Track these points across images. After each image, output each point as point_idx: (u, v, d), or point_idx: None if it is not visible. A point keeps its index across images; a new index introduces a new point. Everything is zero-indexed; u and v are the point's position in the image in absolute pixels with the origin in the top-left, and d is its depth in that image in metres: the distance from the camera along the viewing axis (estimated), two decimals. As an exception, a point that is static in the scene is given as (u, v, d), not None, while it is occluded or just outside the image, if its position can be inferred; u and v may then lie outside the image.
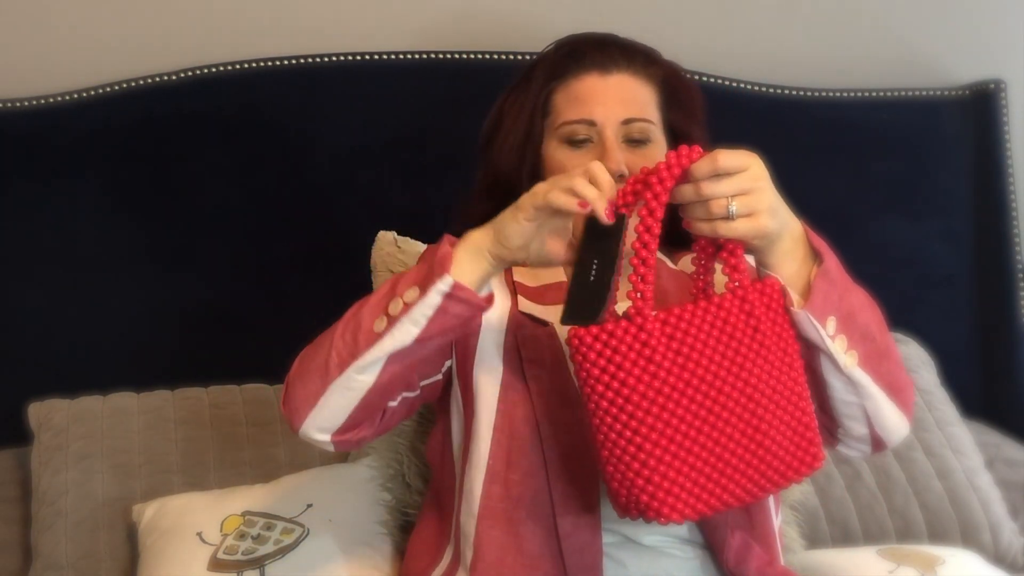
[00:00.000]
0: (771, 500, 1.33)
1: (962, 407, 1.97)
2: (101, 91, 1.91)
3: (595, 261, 1.09)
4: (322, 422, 1.23)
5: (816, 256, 1.15)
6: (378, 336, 1.18)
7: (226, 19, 2.01)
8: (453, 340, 1.28)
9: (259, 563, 1.44)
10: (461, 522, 1.29)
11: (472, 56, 2.02)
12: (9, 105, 1.87)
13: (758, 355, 1.11)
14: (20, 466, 1.73)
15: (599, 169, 1.12)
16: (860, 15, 2.23)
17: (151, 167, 1.92)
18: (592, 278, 1.09)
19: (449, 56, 2.01)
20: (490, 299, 1.20)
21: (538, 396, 1.28)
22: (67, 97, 1.90)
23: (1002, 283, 2.16)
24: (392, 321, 1.17)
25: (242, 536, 1.47)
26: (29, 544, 1.60)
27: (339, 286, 1.79)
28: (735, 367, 1.10)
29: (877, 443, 1.25)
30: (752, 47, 2.17)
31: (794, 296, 1.14)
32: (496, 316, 1.30)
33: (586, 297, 1.09)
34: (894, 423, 1.23)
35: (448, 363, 1.33)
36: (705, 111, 1.45)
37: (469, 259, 1.17)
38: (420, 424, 1.60)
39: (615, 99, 1.35)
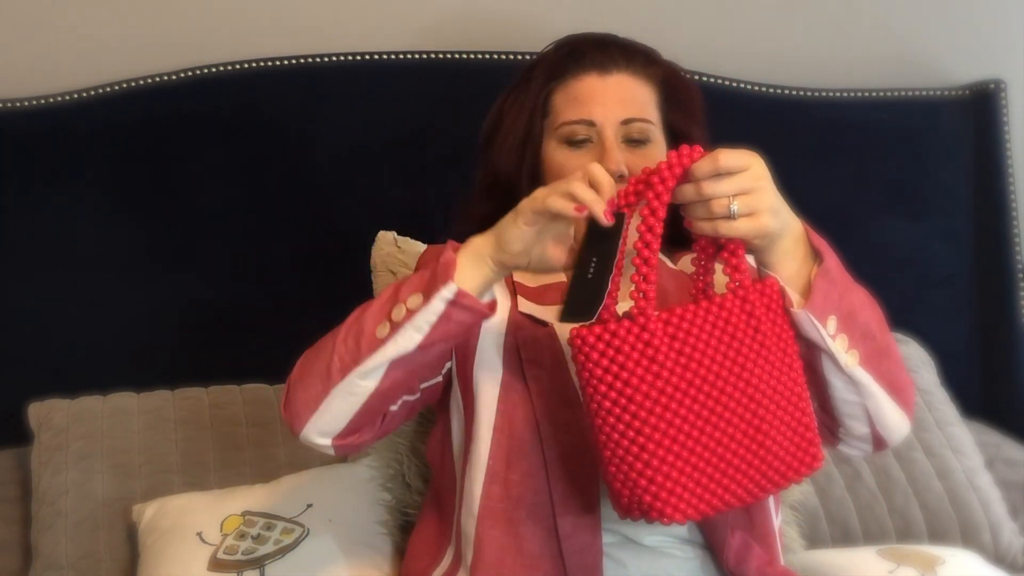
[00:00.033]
0: (771, 500, 1.33)
1: (962, 407, 1.97)
2: (101, 91, 1.91)
3: (594, 260, 1.10)
4: (323, 427, 1.23)
5: (816, 255, 1.15)
6: (381, 342, 1.18)
7: (226, 19, 2.01)
8: (455, 345, 1.28)
9: (259, 563, 1.44)
10: (462, 522, 1.29)
11: (472, 56, 2.02)
12: (9, 105, 1.87)
13: (759, 355, 1.11)
14: (20, 466, 1.73)
15: (598, 171, 1.12)
16: (860, 15, 2.23)
17: (151, 167, 1.92)
18: (590, 276, 1.09)
19: (449, 56, 2.02)
20: (493, 305, 1.20)
21: (538, 396, 1.28)
22: (67, 97, 1.90)
23: (1002, 283, 2.16)
24: (395, 327, 1.17)
25: (242, 536, 1.47)
26: (29, 544, 1.60)
27: (339, 286, 1.80)
28: (736, 367, 1.10)
29: (878, 442, 1.25)
30: (752, 47, 2.17)
31: (794, 296, 1.14)
32: (496, 317, 1.30)
33: (584, 295, 1.10)
34: (895, 422, 1.23)
35: (448, 365, 1.33)
36: (705, 111, 1.45)
37: (471, 265, 1.17)
38: (420, 424, 1.60)
39: (614, 99, 1.35)
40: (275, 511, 1.51)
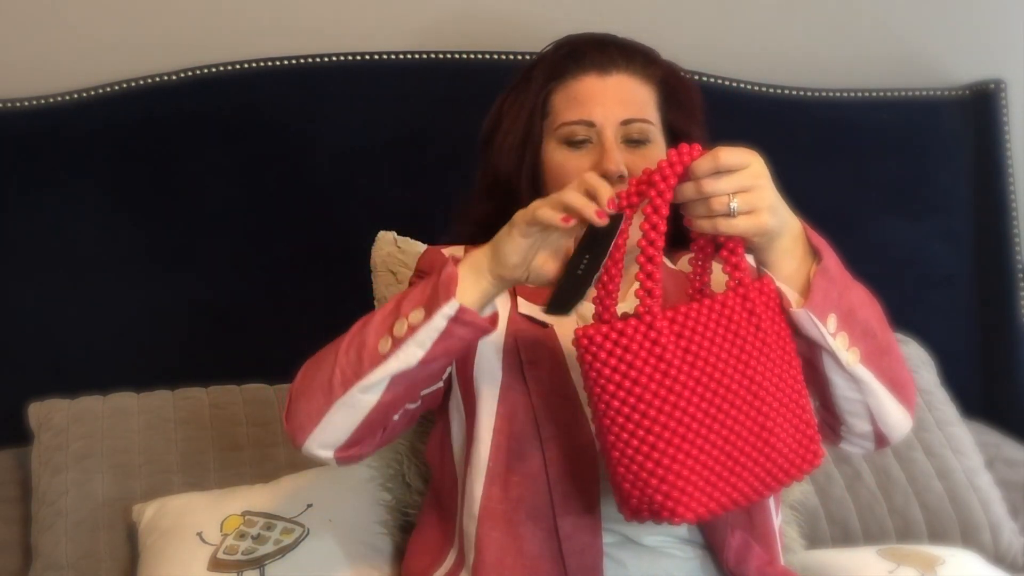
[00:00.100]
0: (771, 500, 1.33)
1: (962, 407, 1.97)
2: (101, 91, 1.91)
3: (586, 257, 1.10)
4: (325, 440, 1.23)
5: (815, 254, 1.15)
6: (383, 357, 1.17)
7: (226, 19, 2.01)
8: (457, 358, 1.28)
9: (259, 563, 1.44)
10: (463, 524, 1.29)
11: (472, 56, 2.02)
12: (9, 105, 1.87)
13: (761, 353, 1.11)
14: (20, 466, 1.73)
15: (594, 178, 1.12)
16: (860, 15, 2.23)
17: (151, 167, 1.92)
18: (580, 273, 1.09)
19: (449, 56, 2.02)
20: (494, 320, 1.20)
21: (538, 397, 1.28)
22: (67, 97, 1.90)
23: (1002, 283, 2.16)
24: (397, 343, 1.17)
25: (242, 536, 1.47)
26: (29, 544, 1.60)
27: (339, 286, 1.81)
28: (740, 364, 1.10)
29: (880, 439, 1.26)
30: (752, 47, 2.17)
31: (794, 294, 1.14)
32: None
33: (569, 290, 1.10)
34: (896, 419, 1.23)
35: (449, 369, 1.32)
36: (704, 111, 1.45)
37: (472, 280, 1.17)
38: (420, 424, 1.59)
39: (614, 100, 1.35)
40: (275, 511, 1.51)
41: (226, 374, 1.82)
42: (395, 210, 1.86)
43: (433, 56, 2.01)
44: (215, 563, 1.44)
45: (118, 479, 1.62)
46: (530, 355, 1.30)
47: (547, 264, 1.15)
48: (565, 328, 1.31)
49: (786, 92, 2.13)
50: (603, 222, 1.09)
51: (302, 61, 1.97)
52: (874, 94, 2.16)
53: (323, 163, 1.97)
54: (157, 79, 1.92)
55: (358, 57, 1.99)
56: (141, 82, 1.91)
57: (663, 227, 1.07)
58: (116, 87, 1.91)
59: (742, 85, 2.10)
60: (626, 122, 1.34)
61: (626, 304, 1.22)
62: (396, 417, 1.26)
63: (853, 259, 1.21)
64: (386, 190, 1.97)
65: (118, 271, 1.89)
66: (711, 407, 1.08)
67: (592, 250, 1.10)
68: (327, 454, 1.24)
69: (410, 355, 1.17)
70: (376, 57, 2.00)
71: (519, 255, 1.14)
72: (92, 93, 1.90)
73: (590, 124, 1.34)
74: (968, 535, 1.77)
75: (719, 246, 1.14)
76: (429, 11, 2.07)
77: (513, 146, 1.40)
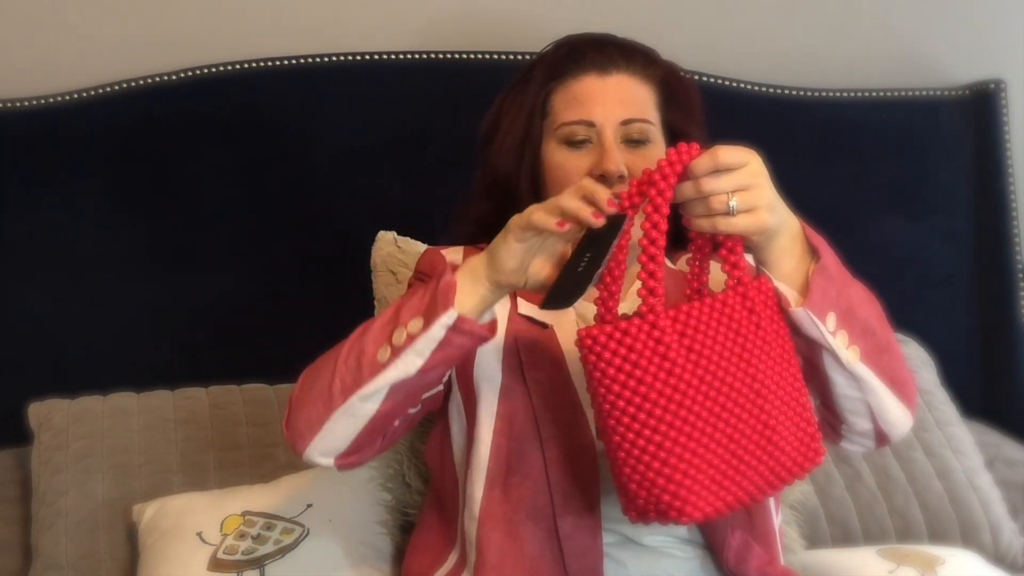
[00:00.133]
0: (771, 499, 1.33)
1: (962, 407, 1.97)
2: (101, 91, 1.91)
3: (587, 255, 1.10)
4: (326, 447, 1.23)
5: (814, 253, 1.15)
6: (382, 366, 1.17)
7: (226, 19, 2.01)
8: (457, 365, 1.28)
9: (259, 563, 1.44)
10: (465, 525, 1.29)
11: (472, 56, 2.02)
12: (9, 105, 1.87)
13: (761, 351, 1.11)
14: (20, 466, 1.73)
15: (591, 184, 1.12)
16: (860, 15, 2.23)
17: (151, 167, 1.92)
18: (580, 270, 1.09)
19: (449, 56, 2.02)
20: (493, 327, 1.20)
21: (538, 398, 1.28)
22: (67, 97, 1.90)
23: (1002, 283, 2.16)
24: (396, 352, 1.17)
25: (242, 536, 1.47)
26: (29, 544, 1.60)
27: (339, 286, 1.81)
28: (742, 363, 1.10)
29: (881, 437, 1.25)
30: (752, 47, 2.17)
31: (793, 293, 1.14)
32: (496, 319, 1.30)
33: (567, 285, 1.10)
34: (897, 417, 1.23)
35: (448, 372, 1.32)
36: (704, 111, 1.45)
37: (470, 286, 1.16)
38: (420, 424, 1.59)
39: (614, 100, 1.35)
40: (275, 511, 1.51)
41: (226, 374, 1.82)
42: (395, 210, 1.86)
43: (433, 56, 2.01)
44: (215, 563, 1.44)
45: (118, 479, 1.62)
46: (530, 356, 1.30)
47: (543, 269, 1.15)
48: (565, 329, 1.31)
49: (786, 92, 2.13)
50: (600, 223, 1.09)
51: (302, 61, 1.97)
52: (874, 94, 2.16)
53: (323, 163, 1.97)
54: (157, 79, 1.92)
55: (358, 57, 1.99)
56: (141, 82, 1.91)
57: (664, 225, 1.08)
58: (116, 87, 1.91)
59: (742, 85, 2.10)
60: (626, 122, 1.34)
61: (626, 304, 1.22)
62: (396, 423, 1.26)
63: (853, 259, 1.21)
64: (386, 190, 1.97)
65: (118, 271, 1.89)
66: (715, 406, 1.08)
67: (593, 249, 1.10)
68: (328, 461, 1.24)
69: (409, 364, 1.17)
70: (376, 57, 2.00)
71: (515, 260, 1.14)
72: (92, 93, 1.90)
73: (590, 124, 1.34)
74: (968, 535, 1.77)
75: (717, 245, 1.14)
76: (429, 11, 2.07)
77: (513, 146, 1.40)
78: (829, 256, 1.15)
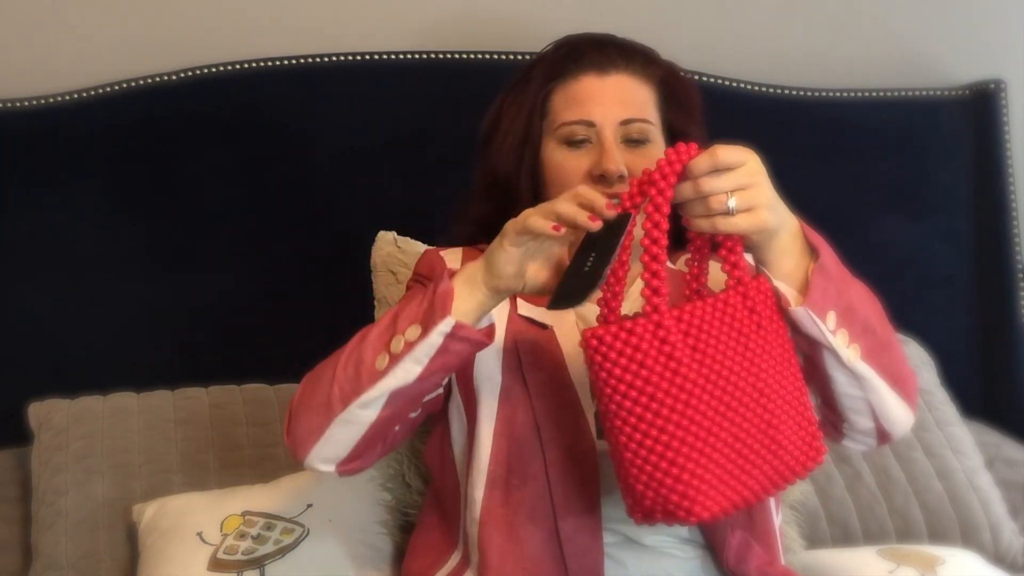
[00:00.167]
0: (771, 499, 1.33)
1: (962, 407, 1.97)
2: (101, 91, 1.91)
3: (592, 255, 1.10)
4: (326, 455, 1.23)
5: (813, 252, 1.15)
6: (381, 374, 1.17)
7: (226, 19, 2.01)
8: (456, 371, 1.28)
9: (259, 563, 1.44)
10: (466, 526, 1.29)
11: (472, 56, 2.02)
12: (9, 105, 1.87)
13: (763, 350, 1.11)
14: (20, 466, 1.73)
15: (586, 191, 1.12)
16: (860, 15, 2.23)
17: (151, 167, 1.92)
18: (586, 270, 1.09)
19: (449, 56, 2.02)
20: (491, 333, 1.20)
21: (538, 399, 1.28)
22: (67, 97, 1.90)
23: (1002, 283, 2.16)
24: (394, 360, 1.17)
25: (242, 536, 1.47)
26: (29, 544, 1.60)
27: (339, 286, 1.81)
28: (745, 362, 1.10)
29: (882, 435, 1.25)
30: (752, 47, 2.17)
31: (793, 292, 1.14)
32: (495, 320, 1.30)
33: (574, 285, 1.09)
34: (898, 415, 1.23)
35: (448, 376, 1.32)
36: (704, 111, 1.45)
37: (467, 293, 1.16)
38: (420, 425, 1.60)
39: (613, 100, 1.35)
40: (275, 511, 1.51)
41: (226, 374, 1.82)
42: (395, 210, 1.86)
43: (433, 56, 2.01)
44: (215, 563, 1.44)
45: (118, 479, 1.62)
46: (530, 357, 1.30)
47: (540, 273, 1.15)
48: (565, 330, 1.31)
49: (786, 92, 2.13)
50: (597, 226, 1.09)
51: (302, 61, 1.97)
52: (874, 94, 2.16)
53: (323, 163, 1.97)
54: (157, 79, 1.92)
55: (358, 57, 1.99)
56: (141, 82, 1.91)
57: (665, 225, 1.08)
58: (116, 87, 1.91)
59: (742, 85, 2.10)
60: (625, 122, 1.34)
61: (628, 304, 1.22)
62: (397, 428, 1.26)
63: (853, 259, 1.21)
64: (386, 190, 1.97)
65: (118, 271, 1.89)
66: (720, 405, 1.08)
67: (596, 249, 1.10)
68: (329, 468, 1.25)
69: (408, 371, 1.17)
70: (376, 57, 2.00)
71: (512, 265, 1.14)
72: (92, 93, 1.90)
73: (589, 124, 1.34)
74: (968, 535, 1.77)
75: (717, 245, 1.14)
76: (429, 11, 2.07)
77: (512, 146, 1.40)
78: (828, 255, 1.15)
